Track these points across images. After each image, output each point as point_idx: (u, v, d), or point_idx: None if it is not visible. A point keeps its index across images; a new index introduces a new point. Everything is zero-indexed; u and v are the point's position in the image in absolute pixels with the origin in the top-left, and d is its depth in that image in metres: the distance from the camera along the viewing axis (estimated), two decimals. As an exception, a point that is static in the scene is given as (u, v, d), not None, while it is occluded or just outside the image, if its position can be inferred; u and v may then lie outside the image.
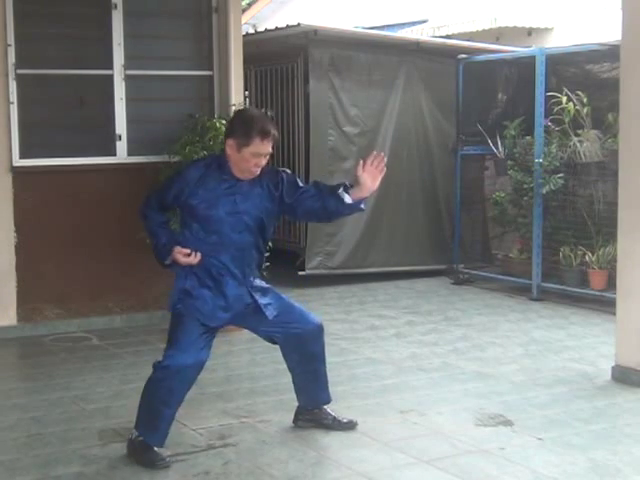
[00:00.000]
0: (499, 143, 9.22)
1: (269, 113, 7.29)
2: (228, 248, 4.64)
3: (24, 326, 7.35)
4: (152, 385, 4.61)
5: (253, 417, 5.24)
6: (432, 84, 10.05)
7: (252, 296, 4.72)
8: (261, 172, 4.67)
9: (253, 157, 4.55)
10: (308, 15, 15.87)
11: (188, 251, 4.61)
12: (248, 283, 4.73)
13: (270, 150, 4.62)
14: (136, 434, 4.63)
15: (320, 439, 4.87)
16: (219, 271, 4.65)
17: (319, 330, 4.94)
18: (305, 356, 4.94)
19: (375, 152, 4.74)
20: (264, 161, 4.64)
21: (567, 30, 13.89)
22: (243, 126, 4.56)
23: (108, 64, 7.58)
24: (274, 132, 4.62)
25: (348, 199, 4.63)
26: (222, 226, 4.61)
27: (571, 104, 8.54)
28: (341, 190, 4.65)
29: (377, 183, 4.65)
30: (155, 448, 4.58)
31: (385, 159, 4.66)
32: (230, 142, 4.56)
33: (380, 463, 4.54)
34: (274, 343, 4.97)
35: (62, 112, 7.63)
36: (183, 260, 4.63)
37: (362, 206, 4.74)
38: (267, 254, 7.48)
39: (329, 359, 6.46)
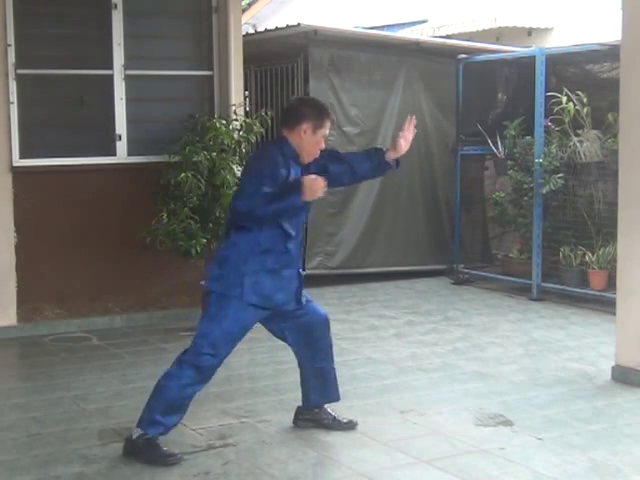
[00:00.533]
0: (499, 143, 9.22)
1: (269, 113, 7.33)
2: (298, 233, 4.74)
3: (24, 326, 7.35)
4: (178, 383, 4.58)
5: (253, 417, 5.24)
6: (432, 84, 10.05)
7: (300, 281, 4.77)
8: None
9: (323, 139, 4.75)
10: (308, 15, 15.85)
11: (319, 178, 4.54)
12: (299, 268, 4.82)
13: None
14: (140, 432, 4.59)
15: (320, 439, 4.87)
16: (290, 254, 4.68)
17: (326, 322, 4.99)
18: (316, 351, 4.96)
19: (409, 117, 4.97)
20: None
21: (567, 30, 13.87)
22: (317, 110, 4.76)
23: (108, 64, 7.58)
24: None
25: (388, 158, 4.92)
26: (301, 213, 4.71)
27: (571, 104, 8.54)
28: (380, 152, 4.96)
29: (409, 145, 4.93)
30: (162, 445, 4.59)
31: (414, 121, 4.95)
32: (305, 126, 4.65)
33: (380, 463, 4.54)
34: (283, 339, 4.97)
35: (62, 112, 7.63)
36: (320, 186, 4.48)
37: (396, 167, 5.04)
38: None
39: (329, 359, 6.49)
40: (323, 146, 4.78)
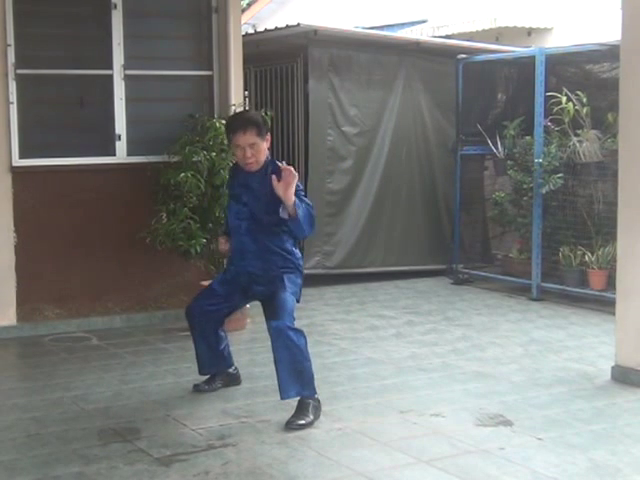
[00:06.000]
0: (499, 143, 9.22)
1: (269, 113, 7.41)
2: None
3: (24, 326, 7.35)
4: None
5: (253, 417, 5.23)
6: (432, 84, 10.04)
7: None
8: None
9: (239, 149, 5.22)
10: (308, 15, 15.86)
11: None
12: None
13: (251, 141, 5.17)
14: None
15: (320, 439, 4.87)
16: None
17: None
18: None
19: (284, 166, 5.07)
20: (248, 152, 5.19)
21: (567, 30, 13.89)
22: (225, 128, 5.55)
23: (108, 64, 7.58)
24: (243, 126, 5.17)
25: (283, 214, 5.04)
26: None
27: (571, 104, 8.54)
28: (281, 209, 5.06)
29: (290, 192, 4.92)
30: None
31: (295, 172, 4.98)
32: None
33: (380, 463, 4.54)
34: None
35: (62, 112, 7.62)
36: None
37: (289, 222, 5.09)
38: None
39: (329, 359, 6.50)
40: (247, 155, 5.16)
